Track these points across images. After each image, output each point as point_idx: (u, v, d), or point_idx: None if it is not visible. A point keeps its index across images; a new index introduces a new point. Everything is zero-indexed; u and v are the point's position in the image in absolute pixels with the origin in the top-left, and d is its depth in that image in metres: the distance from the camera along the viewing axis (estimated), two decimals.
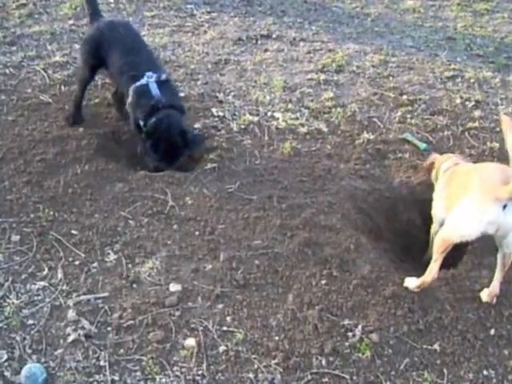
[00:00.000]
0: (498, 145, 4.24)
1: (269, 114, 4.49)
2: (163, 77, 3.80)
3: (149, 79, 3.73)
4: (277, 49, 5.52)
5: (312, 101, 4.71)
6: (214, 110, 4.47)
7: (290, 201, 3.49)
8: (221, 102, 4.59)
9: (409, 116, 4.60)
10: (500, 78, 5.30)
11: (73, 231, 3.21)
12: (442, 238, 2.80)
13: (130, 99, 3.73)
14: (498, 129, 4.46)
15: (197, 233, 3.24)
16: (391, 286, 2.90)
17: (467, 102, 4.86)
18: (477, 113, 4.70)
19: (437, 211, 3.28)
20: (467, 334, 2.67)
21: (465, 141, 4.35)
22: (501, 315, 2.76)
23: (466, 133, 4.45)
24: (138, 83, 3.73)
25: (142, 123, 3.69)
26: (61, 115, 4.09)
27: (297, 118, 4.44)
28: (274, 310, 2.79)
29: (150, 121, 3.63)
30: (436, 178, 3.42)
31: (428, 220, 3.36)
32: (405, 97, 4.85)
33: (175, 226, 3.27)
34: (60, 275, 2.96)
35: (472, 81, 5.22)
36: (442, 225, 3.01)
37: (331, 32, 5.97)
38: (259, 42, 5.63)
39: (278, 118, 4.43)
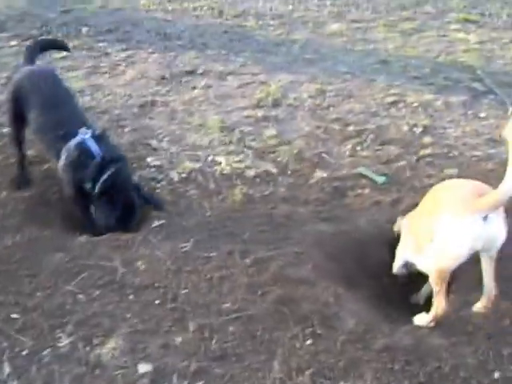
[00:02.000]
0: (456, 170, 4.42)
1: (210, 158, 4.49)
2: (98, 131, 3.75)
3: (84, 136, 3.66)
4: (205, 85, 5.56)
5: (254, 140, 4.75)
6: (149, 159, 4.44)
7: (253, 254, 3.47)
8: (155, 149, 4.56)
9: (359, 148, 4.73)
10: (443, 100, 5.57)
11: (14, 315, 3.05)
12: (435, 268, 2.94)
13: (64, 161, 3.64)
14: (451, 154, 4.68)
15: (157, 301, 3.16)
16: (381, 337, 2.93)
17: (415, 129, 5.06)
18: (427, 139, 4.90)
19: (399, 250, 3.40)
20: (471, 380, 2.73)
21: (421, 170, 4.51)
22: (501, 356, 2.85)
23: (421, 161, 4.62)
24: (73, 142, 3.65)
25: (88, 185, 3.59)
26: None
27: (241, 161, 4.45)
28: (260, 381, 2.75)
29: (101, 179, 3.54)
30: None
31: None
32: (351, 128, 5.00)
33: (131, 297, 3.18)
34: (7, 369, 2.79)
35: (415, 105, 5.46)
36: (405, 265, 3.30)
37: (259, 62, 6.09)
38: (184, 79, 5.66)
39: (220, 163, 4.44)
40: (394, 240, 3.62)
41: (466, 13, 7.86)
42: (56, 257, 3.41)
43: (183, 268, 3.37)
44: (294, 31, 6.95)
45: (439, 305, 2.99)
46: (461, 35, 7.12)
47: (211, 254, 3.49)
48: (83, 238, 3.57)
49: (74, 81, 5.32)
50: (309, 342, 2.94)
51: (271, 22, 7.12)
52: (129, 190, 3.73)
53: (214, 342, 2.94)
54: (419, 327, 3.05)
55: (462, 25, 7.46)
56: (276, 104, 5.31)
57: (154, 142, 4.64)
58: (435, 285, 3.00)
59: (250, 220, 3.82)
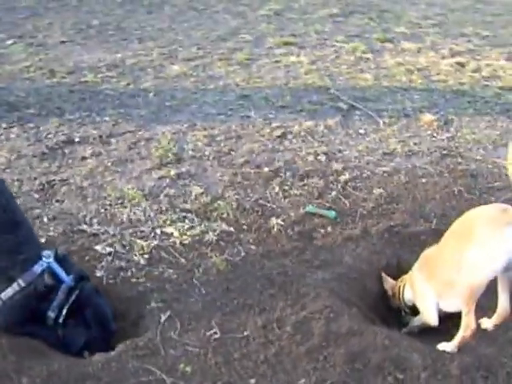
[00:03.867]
0: (381, 190, 4.70)
1: (158, 231, 4.22)
2: (59, 251, 3.38)
3: (49, 260, 3.24)
4: (93, 153, 5.19)
5: (186, 202, 4.57)
6: (97, 247, 4.03)
7: (287, 320, 3.38)
8: (94, 234, 4.15)
9: (286, 187, 4.78)
10: (322, 124, 5.86)
11: None
12: (469, 286, 3.06)
13: (20, 291, 3.17)
14: (365, 175, 4.96)
15: None
16: (456, 360, 3.05)
17: (319, 157, 5.27)
18: (336, 165, 5.14)
19: (423, 300, 3.54)
20: None
21: (354, 196, 4.71)
22: None
23: (347, 188, 4.82)
24: (37, 268, 3.20)
25: (53, 313, 3.20)
26: None
27: (192, 227, 4.26)
28: None
29: (66, 306, 3.21)
30: (399, 298, 3.74)
31: None
32: (265, 168, 5.03)
33: None
34: None
35: (302, 134, 5.68)
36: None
37: (128, 118, 5.84)
38: (66, 150, 5.21)
39: (172, 233, 4.20)
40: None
41: (280, 36, 8.30)
42: None
43: (231, 357, 3.15)
44: (138, 80, 6.74)
45: (469, 326, 3.09)
46: (293, 58, 7.52)
47: (245, 333, 3.31)
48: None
49: None
50: None
51: (110, 74, 6.83)
52: (105, 307, 3.38)
53: None
54: None
55: (285, 48, 7.87)
56: (178, 159, 5.14)
57: (86, 228, 4.21)
58: (465, 305, 3.10)
59: (250, 285, 3.69)
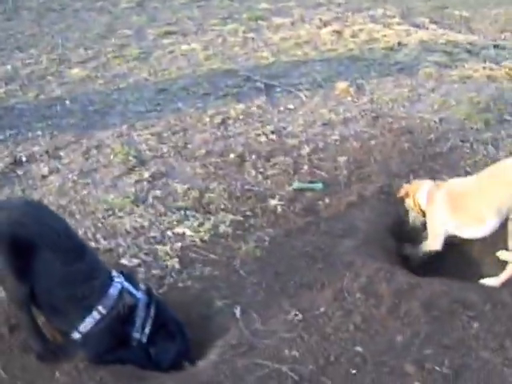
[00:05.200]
0: (345, 157, 5.03)
1: (169, 234, 4.20)
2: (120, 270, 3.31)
3: (120, 280, 3.17)
4: (50, 170, 4.95)
5: (177, 200, 4.58)
6: (122, 261, 3.93)
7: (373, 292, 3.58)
8: (109, 250, 4.03)
9: (261, 170, 4.92)
10: (251, 104, 6.03)
11: None
12: None
13: (105, 319, 3.07)
14: (321, 146, 5.26)
15: None
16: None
17: (270, 136, 5.47)
18: (290, 141, 5.37)
19: (437, 225, 3.94)
20: None
21: (324, 167, 4.98)
22: None
23: (314, 160, 5.08)
24: (113, 291, 3.11)
25: (138, 333, 3.15)
26: None
27: (201, 224, 4.28)
28: None
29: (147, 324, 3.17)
30: (414, 205, 4.07)
31: None
32: (231, 155, 5.14)
33: None
34: None
35: (241, 117, 5.84)
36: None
37: (60, 129, 5.61)
38: (19, 170, 4.90)
39: (184, 233, 4.20)
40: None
41: (158, 26, 8.26)
42: None
43: (326, 333, 3.30)
44: (44, 89, 6.41)
45: None
46: (185, 47, 7.55)
47: (322, 309, 3.46)
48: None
49: None
50: None
51: (11, 87, 6.39)
52: (173, 315, 3.33)
53: None
54: None
55: (170, 38, 7.86)
56: (142, 161, 5.07)
57: (95, 244, 4.07)
58: None
59: (295, 265, 3.83)
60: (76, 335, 3.04)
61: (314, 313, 3.43)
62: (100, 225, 4.25)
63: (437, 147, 5.29)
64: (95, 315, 3.05)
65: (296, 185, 4.66)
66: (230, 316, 3.45)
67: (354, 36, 7.95)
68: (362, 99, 6.22)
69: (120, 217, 4.33)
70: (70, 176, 4.81)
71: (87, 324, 3.05)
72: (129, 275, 3.28)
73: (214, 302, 3.57)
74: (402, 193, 4.14)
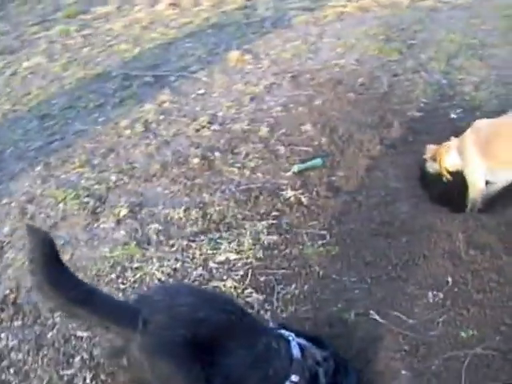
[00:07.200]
0: (309, 126, 4.71)
1: (211, 264, 3.59)
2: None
3: (293, 337, 2.61)
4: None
5: (183, 224, 3.93)
6: None
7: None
8: None
9: (245, 162, 4.39)
10: (167, 99, 5.42)
11: None
12: None
13: None
14: (277, 122, 4.84)
15: None
16: None
17: (217, 127, 4.89)
18: (243, 126, 4.85)
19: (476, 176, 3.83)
20: None
21: (303, 142, 4.54)
22: None
23: (285, 139, 4.63)
24: (296, 355, 2.55)
25: None
26: None
27: (228, 236, 3.73)
28: None
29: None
30: (441, 168, 3.99)
31: None
32: (209, 156, 4.56)
33: None
34: None
35: (170, 116, 5.16)
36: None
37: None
38: None
39: (227, 259, 3.63)
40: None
41: None
42: None
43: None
44: None
45: None
46: (26, 64, 6.58)
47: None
48: None
49: None
50: None
51: None
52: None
53: None
54: None
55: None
56: (99, 196, 4.28)
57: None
58: None
59: (359, 257, 3.45)
60: None
61: (449, 287, 3.11)
62: (122, 286, 3.46)
63: (379, 89, 5.12)
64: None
65: (297, 168, 4.21)
66: (373, 322, 2.99)
67: (195, 5, 7.43)
68: (263, 63, 5.84)
69: (137, 268, 3.57)
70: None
71: None
72: (283, 325, 2.67)
73: (351, 311, 3.06)
74: (428, 154, 3.98)
